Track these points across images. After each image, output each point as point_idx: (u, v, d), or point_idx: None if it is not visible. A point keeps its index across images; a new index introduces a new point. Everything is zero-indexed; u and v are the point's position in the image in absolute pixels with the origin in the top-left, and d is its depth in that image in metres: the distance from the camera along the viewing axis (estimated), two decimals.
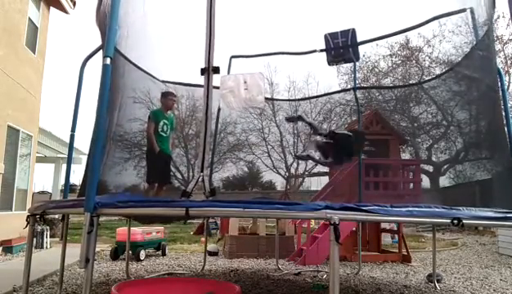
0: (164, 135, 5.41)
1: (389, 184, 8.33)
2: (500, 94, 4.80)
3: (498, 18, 15.92)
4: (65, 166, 11.07)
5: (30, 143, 9.90)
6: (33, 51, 9.86)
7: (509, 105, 4.93)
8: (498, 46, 18.05)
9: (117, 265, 6.63)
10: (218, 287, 3.60)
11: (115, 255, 7.26)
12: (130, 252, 6.30)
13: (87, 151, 6.37)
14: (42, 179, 38.19)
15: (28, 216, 3.78)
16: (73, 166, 5.84)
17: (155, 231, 7.98)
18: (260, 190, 16.18)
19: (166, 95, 5.59)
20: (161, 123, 5.37)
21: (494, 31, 5.77)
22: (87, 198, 2.78)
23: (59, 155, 16.59)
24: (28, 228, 3.78)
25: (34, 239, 7.49)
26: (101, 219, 2.99)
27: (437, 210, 3.09)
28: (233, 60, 7.25)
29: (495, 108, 5.10)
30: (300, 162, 11.84)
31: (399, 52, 19.70)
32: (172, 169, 7.06)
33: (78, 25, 67.14)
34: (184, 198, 3.50)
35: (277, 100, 10.92)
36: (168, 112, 5.57)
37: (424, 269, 6.85)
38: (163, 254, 7.98)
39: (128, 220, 6.12)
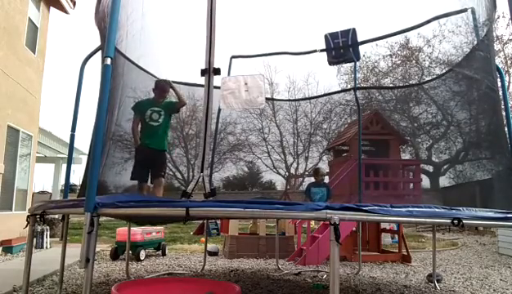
0: (155, 124, 4.93)
1: (389, 184, 8.34)
2: (501, 93, 4.81)
3: (498, 18, 15.92)
4: (65, 166, 11.09)
5: (30, 143, 9.90)
6: (33, 51, 9.86)
7: (509, 105, 4.92)
8: (498, 46, 18.07)
9: (117, 265, 6.63)
10: (218, 287, 3.59)
11: (115, 255, 7.26)
12: (130, 252, 6.29)
13: (87, 151, 6.39)
14: (42, 179, 38.39)
15: (28, 216, 3.78)
16: (73, 166, 5.83)
17: (155, 231, 7.97)
18: (260, 190, 16.16)
19: (156, 85, 5.09)
20: (148, 112, 4.92)
21: (494, 31, 5.77)
22: (87, 198, 2.78)
23: (59, 155, 16.59)
24: (28, 228, 3.78)
25: (34, 239, 7.48)
26: (101, 219, 2.98)
27: (437, 210, 3.08)
28: (233, 60, 7.25)
29: (495, 108, 5.10)
30: (300, 161, 11.88)
31: (399, 52, 19.72)
32: (171, 167, 6.94)
33: (78, 25, 67.17)
34: (184, 199, 3.50)
35: (277, 100, 10.94)
36: (161, 100, 5.07)
37: (424, 269, 6.84)
38: (163, 254, 7.98)
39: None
